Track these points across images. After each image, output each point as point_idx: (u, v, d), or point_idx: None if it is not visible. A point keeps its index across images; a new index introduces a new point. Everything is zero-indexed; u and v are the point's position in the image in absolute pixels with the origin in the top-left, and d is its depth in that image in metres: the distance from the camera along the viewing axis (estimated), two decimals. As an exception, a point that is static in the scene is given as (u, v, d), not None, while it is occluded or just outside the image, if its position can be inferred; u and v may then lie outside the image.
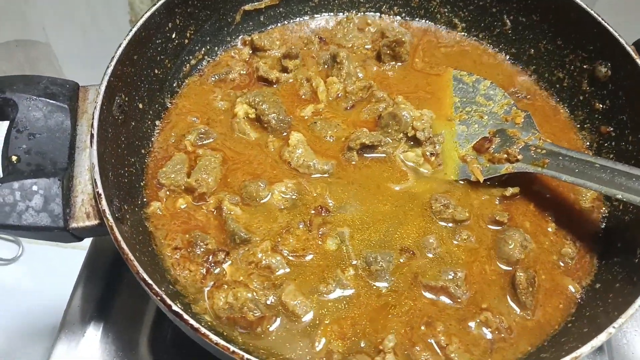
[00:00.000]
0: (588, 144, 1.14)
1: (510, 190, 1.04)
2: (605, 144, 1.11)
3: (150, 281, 0.79)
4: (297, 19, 1.31)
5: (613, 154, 1.09)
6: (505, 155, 1.05)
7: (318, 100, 1.17)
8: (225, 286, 0.93)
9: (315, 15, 1.32)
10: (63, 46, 1.82)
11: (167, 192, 1.03)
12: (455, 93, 1.18)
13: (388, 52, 1.23)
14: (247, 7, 1.24)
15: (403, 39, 1.21)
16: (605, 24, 1.08)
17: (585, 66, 1.14)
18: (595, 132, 1.13)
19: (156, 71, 1.11)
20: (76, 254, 1.32)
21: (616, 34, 1.07)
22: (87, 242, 1.22)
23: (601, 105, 1.12)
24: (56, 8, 1.69)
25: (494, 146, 1.07)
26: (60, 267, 1.30)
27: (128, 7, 1.69)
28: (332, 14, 1.32)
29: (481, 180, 1.04)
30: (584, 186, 0.96)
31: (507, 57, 1.27)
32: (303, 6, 1.30)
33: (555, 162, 1.00)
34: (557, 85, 1.20)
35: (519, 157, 1.03)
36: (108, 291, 1.21)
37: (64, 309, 1.20)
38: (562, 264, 0.99)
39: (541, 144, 1.04)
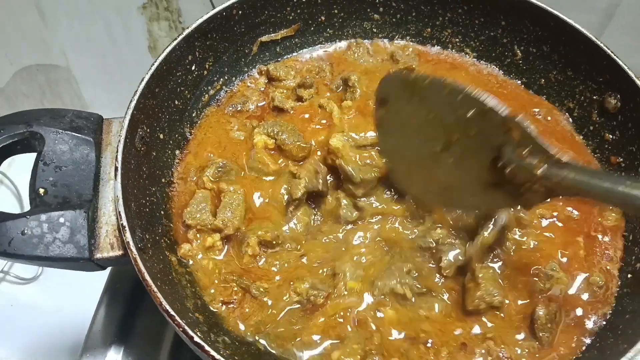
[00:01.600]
0: (598, 173, 1.16)
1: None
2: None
3: (173, 312, 0.82)
4: (312, 47, 1.34)
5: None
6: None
7: (334, 125, 1.19)
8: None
9: (330, 44, 1.35)
10: (82, 69, 1.87)
11: (195, 233, 1.05)
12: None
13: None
14: (264, 38, 1.28)
15: (413, 65, 1.24)
16: (614, 56, 1.11)
17: (595, 97, 1.16)
18: (606, 161, 1.15)
19: (176, 102, 1.15)
20: (95, 273, 1.35)
21: (625, 67, 1.09)
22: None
23: (611, 136, 1.14)
24: (76, 33, 1.74)
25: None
26: (79, 286, 1.33)
27: (147, 34, 1.73)
28: (345, 41, 1.35)
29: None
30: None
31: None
32: (318, 37, 1.33)
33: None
34: (568, 115, 1.22)
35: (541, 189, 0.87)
36: (128, 315, 1.24)
37: (86, 333, 1.23)
38: (586, 295, 1.00)
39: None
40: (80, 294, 1.33)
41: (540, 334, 0.94)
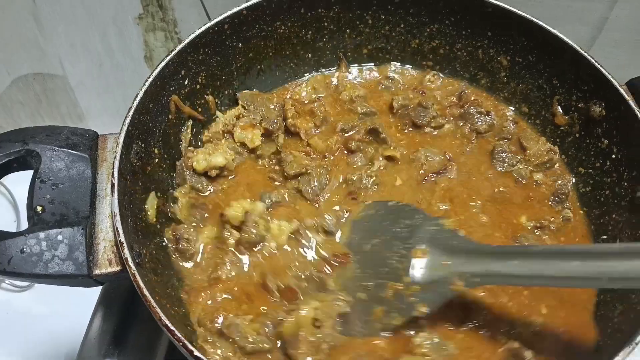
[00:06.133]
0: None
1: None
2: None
3: (172, 327, 0.84)
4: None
5: (609, 190, 1.14)
6: None
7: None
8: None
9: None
10: (79, 78, 1.88)
11: None
12: None
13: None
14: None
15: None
16: (599, 66, 1.13)
17: (580, 105, 1.19)
18: (591, 167, 1.18)
19: (170, 116, 1.16)
20: (89, 282, 1.37)
21: (609, 75, 1.12)
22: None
23: (598, 143, 1.16)
24: (73, 42, 1.75)
25: None
26: (74, 294, 1.33)
27: (143, 44, 1.75)
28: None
29: None
30: None
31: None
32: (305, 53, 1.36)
33: None
34: (551, 125, 1.25)
35: None
36: (122, 325, 1.26)
37: (80, 343, 1.24)
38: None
39: None
40: (75, 302, 1.34)
41: None
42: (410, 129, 1.27)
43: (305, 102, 1.30)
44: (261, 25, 1.26)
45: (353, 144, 1.20)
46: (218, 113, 1.24)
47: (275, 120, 1.23)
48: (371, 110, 1.27)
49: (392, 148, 1.21)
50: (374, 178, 1.17)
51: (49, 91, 1.91)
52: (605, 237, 1.11)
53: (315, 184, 1.15)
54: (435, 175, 1.18)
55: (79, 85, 1.89)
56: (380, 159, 1.20)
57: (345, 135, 1.24)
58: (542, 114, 1.26)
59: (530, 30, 1.20)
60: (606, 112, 1.14)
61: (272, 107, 1.25)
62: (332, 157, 1.21)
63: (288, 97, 1.32)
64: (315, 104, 1.26)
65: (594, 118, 1.16)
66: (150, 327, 1.24)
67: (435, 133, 1.26)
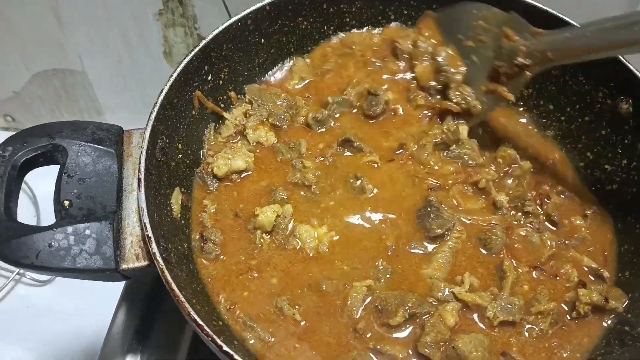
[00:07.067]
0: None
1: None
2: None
3: (201, 322, 0.84)
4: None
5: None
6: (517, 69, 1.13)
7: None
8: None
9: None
10: (98, 74, 1.89)
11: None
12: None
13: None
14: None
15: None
16: (625, 61, 1.12)
17: (608, 102, 1.17)
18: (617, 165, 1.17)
19: (193, 112, 1.17)
20: (111, 278, 1.37)
21: (636, 71, 1.11)
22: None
23: (625, 140, 1.15)
24: (93, 38, 1.76)
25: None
26: (94, 288, 1.34)
27: (162, 40, 1.75)
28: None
29: (512, 99, 1.17)
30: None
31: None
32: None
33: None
34: (579, 121, 1.24)
35: (528, 62, 1.11)
36: (145, 322, 1.26)
37: (102, 336, 1.25)
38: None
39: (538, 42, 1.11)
40: (95, 297, 1.35)
41: None
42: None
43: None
44: (283, 21, 1.26)
45: (329, 159, 1.18)
46: (225, 114, 1.22)
47: (283, 116, 1.22)
48: (342, 98, 1.25)
49: (367, 154, 1.18)
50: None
51: (68, 87, 1.92)
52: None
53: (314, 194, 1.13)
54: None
55: (98, 81, 1.90)
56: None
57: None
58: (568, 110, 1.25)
59: (556, 26, 1.18)
60: (633, 109, 1.13)
61: (279, 102, 1.24)
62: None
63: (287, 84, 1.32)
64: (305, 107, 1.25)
65: (622, 115, 1.15)
66: (173, 322, 1.24)
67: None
